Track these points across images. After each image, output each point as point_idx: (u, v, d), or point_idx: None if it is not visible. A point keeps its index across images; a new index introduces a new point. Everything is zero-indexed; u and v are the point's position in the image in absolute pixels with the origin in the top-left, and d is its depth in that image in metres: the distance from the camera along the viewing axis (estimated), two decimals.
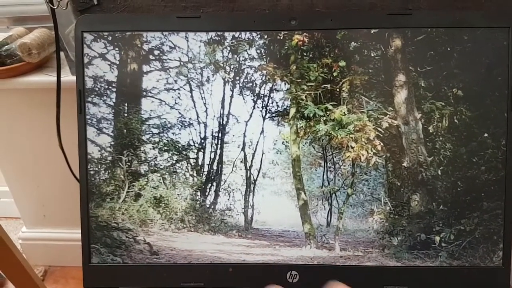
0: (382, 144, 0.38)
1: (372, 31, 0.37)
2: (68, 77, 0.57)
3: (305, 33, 0.37)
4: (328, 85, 0.38)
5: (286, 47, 0.37)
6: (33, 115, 0.67)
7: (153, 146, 0.39)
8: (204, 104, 0.39)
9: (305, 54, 0.37)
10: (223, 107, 0.38)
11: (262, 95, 0.38)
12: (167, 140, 0.39)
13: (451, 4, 0.41)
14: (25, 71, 0.60)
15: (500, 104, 0.37)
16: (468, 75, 0.37)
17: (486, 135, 0.37)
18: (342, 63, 0.37)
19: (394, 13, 0.37)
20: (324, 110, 0.38)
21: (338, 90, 0.38)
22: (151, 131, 0.39)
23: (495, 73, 0.37)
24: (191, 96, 0.38)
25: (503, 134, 0.37)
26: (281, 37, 0.37)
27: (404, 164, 0.38)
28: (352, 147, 0.38)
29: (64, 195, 0.72)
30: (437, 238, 0.38)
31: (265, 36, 0.37)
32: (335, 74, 0.38)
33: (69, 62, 0.58)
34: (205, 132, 0.39)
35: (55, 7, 0.40)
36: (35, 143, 0.70)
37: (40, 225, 0.79)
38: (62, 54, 0.55)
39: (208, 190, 0.40)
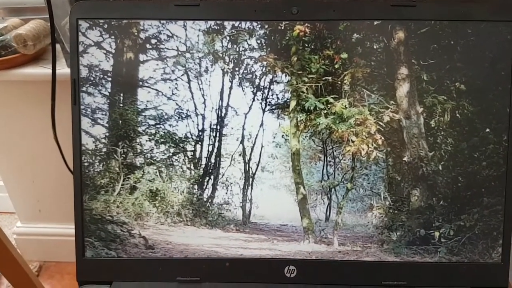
0: (383, 138, 0.38)
1: (375, 23, 0.36)
2: (64, 69, 0.56)
3: (306, 24, 0.36)
4: (330, 78, 0.37)
5: (287, 38, 0.37)
6: (28, 108, 0.66)
7: (149, 138, 0.38)
8: (202, 95, 0.38)
9: (306, 45, 0.37)
10: (221, 98, 0.38)
11: (262, 87, 0.37)
12: (164, 132, 0.38)
13: None
14: (20, 62, 0.59)
15: (503, 99, 0.37)
16: (471, 69, 0.36)
17: (488, 130, 0.37)
18: (344, 55, 0.37)
19: (398, 4, 0.36)
20: (325, 103, 0.37)
21: (339, 82, 0.37)
22: (147, 123, 0.38)
23: (498, 67, 0.36)
24: (189, 87, 0.38)
25: (505, 130, 0.37)
26: (282, 27, 0.37)
27: (405, 159, 0.38)
28: (353, 141, 0.38)
29: (60, 190, 0.71)
30: (437, 234, 0.38)
31: (266, 26, 0.37)
32: (336, 66, 0.37)
33: (65, 54, 0.57)
34: (203, 124, 0.38)
35: None
36: (30, 137, 0.69)
37: (35, 220, 0.78)
38: (58, 46, 0.54)
39: (205, 183, 0.39)
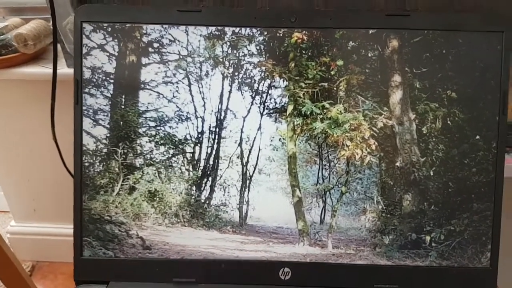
0: (376, 143, 0.39)
1: (370, 32, 0.38)
2: (64, 70, 0.56)
3: (304, 31, 0.37)
4: (326, 84, 0.38)
5: (286, 45, 0.38)
6: (27, 107, 0.66)
7: (149, 139, 0.39)
8: (202, 98, 0.39)
9: (303, 52, 0.38)
10: (221, 102, 0.39)
11: (261, 92, 0.38)
12: (164, 134, 0.39)
13: (448, 7, 0.42)
14: (20, 62, 0.60)
15: (492, 107, 0.38)
16: (462, 78, 0.38)
17: (478, 137, 0.38)
18: (340, 62, 0.38)
19: (392, 14, 0.37)
20: (321, 108, 0.38)
21: (335, 88, 0.38)
22: (148, 124, 0.39)
23: (488, 76, 0.38)
24: (190, 90, 0.38)
25: (494, 137, 0.38)
26: (281, 34, 0.38)
27: (397, 164, 0.39)
28: (347, 146, 0.39)
29: (56, 189, 0.71)
30: (428, 238, 0.39)
31: (265, 33, 0.38)
32: (332, 72, 0.38)
33: (65, 55, 0.58)
34: (202, 126, 0.39)
35: None
36: (28, 136, 0.69)
37: (30, 219, 0.77)
38: (58, 46, 0.54)
39: (203, 185, 0.40)
